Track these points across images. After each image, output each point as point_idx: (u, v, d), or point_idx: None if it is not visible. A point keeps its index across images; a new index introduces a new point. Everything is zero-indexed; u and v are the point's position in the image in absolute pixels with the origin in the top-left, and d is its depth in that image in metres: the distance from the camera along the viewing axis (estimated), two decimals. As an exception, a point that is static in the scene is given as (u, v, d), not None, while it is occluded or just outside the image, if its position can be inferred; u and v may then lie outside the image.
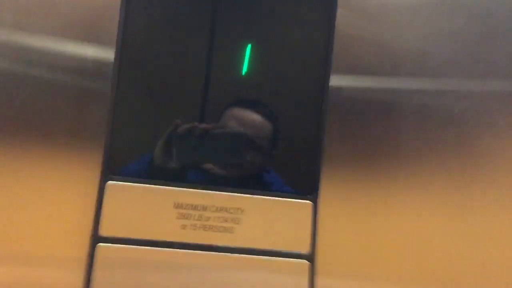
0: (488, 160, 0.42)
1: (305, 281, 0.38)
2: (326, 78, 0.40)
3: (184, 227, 0.37)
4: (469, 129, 0.42)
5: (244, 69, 0.40)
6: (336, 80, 0.41)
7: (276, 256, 0.38)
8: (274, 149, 0.40)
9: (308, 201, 0.39)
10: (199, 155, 0.38)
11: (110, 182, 0.37)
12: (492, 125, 0.42)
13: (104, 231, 0.36)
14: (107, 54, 0.38)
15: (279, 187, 0.39)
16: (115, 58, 0.38)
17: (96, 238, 0.36)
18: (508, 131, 0.42)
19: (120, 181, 0.37)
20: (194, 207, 0.38)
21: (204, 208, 0.38)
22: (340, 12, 0.41)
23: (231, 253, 0.37)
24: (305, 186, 0.39)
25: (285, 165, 0.40)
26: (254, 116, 0.39)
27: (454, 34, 0.43)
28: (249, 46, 0.40)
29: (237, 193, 0.38)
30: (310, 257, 0.38)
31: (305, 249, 0.38)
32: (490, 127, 0.42)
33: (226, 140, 0.38)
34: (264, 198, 0.38)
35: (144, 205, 0.37)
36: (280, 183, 0.39)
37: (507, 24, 0.44)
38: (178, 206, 0.37)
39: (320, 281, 0.38)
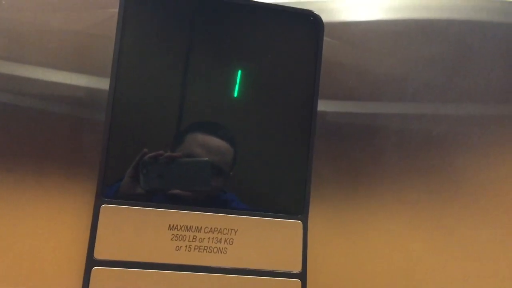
0: (465, 179, 0.44)
1: (297, 300, 0.39)
2: (313, 103, 0.42)
3: (178, 248, 0.38)
4: (447, 150, 0.45)
5: (235, 93, 0.42)
6: (322, 105, 0.43)
7: (268, 276, 0.39)
8: (232, 170, 0.41)
9: (298, 221, 0.40)
10: (166, 182, 0.39)
11: (104, 205, 0.38)
12: (468, 146, 0.45)
13: (99, 255, 0.37)
14: (101, 83, 0.39)
15: (237, 205, 0.40)
16: (109, 87, 0.39)
17: (92, 262, 0.37)
18: (483, 152, 0.45)
19: (114, 204, 0.38)
20: (188, 229, 0.38)
21: (198, 229, 0.39)
22: (326, 41, 0.43)
23: (224, 273, 0.38)
24: (295, 207, 0.41)
25: (275, 186, 0.41)
26: (217, 142, 0.40)
27: (432, 60, 0.46)
28: (239, 72, 0.42)
29: (230, 214, 0.39)
30: (301, 276, 0.39)
31: (296, 268, 0.40)
32: (466, 148, 0.45)
33: (192, 168, 0.39)
34: (256, 219, 0.40)
35: (139, 228, 0.38)
36: (238, 201, 0.40)
37: (480, 50, 0.47)
38: (172, 227, 0.38)
39: (311, 299, 0.39)
